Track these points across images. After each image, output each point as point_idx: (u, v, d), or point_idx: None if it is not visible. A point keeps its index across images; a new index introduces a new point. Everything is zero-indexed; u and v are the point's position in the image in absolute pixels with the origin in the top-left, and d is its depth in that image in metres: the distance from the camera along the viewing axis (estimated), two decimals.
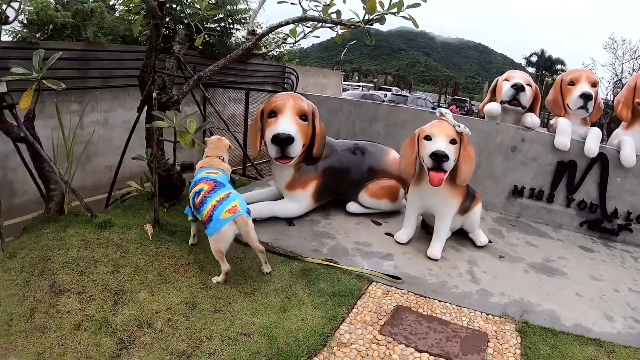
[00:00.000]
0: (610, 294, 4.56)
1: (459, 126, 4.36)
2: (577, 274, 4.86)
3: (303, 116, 4.90)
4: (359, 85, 39.32)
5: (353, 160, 5.42)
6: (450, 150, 4.27)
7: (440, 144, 4.26)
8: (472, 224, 5.01)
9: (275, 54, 13.06)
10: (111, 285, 3.58)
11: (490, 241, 5.23)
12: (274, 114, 4.83)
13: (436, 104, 34.65)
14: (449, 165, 4.27)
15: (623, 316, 4.15)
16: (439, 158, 4.19)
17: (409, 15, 4.36)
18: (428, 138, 4.36)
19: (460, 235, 5.24)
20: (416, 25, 4.45)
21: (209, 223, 3.70)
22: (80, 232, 4.23)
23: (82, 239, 4.13)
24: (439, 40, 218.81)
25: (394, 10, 4.32)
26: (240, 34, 10.42)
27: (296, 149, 4.81)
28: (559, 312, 4.00)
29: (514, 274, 4.59)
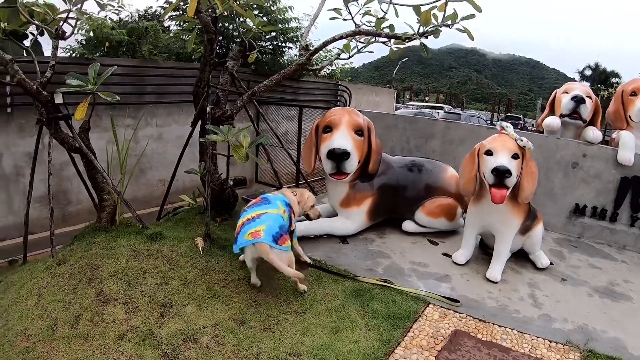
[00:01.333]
0: None
1: (522, 140, 4.17)
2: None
3: (359, 131, 4.80)
4: (418, 105, 38.87)
5: (410, 177, 5.27)
6: (513, 166, 4.07)
7: (502, 159, 4.06)
8: (533, 245, 4.77)
9: (327, 72, 13.08)
10: (158, 297, 3.55)
11: (551, 263, 4.95)
12: (329, 128, 4.76)
13: (489, 121, 33.84)
14: (511, 181, 4.07)
15: None
16: (501, 174, 4.00)
17: (464, 27, 4.21)
18: (489, 153, 4.17)
19: (520, 257, 4.98)
20: (471, 38, 4.29)
21: (235, 239, 3.66)
22: (131, 243, 4.23)
23: (132, 249, 4.13)
24: (490, 57, 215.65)
25: (449, 22, 4.19)
26: (292, 52, 10.48)
27: (352, 165, 4.71)
28: (625, 341, 3.73)
29: (577, 299, 4.32)
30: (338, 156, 4.57)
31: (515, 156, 4.13)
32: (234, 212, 5.42)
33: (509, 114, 46.32)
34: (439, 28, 4.29)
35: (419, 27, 4.33)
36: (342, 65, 13.73)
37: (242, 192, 6.29)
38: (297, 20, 10.17)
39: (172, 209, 5.74)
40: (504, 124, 4.39)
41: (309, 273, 4.14)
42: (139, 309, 3.39)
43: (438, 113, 30.40)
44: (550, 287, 4.50)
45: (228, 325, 3.32)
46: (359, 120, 4.84)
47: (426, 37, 4.38)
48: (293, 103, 9.36)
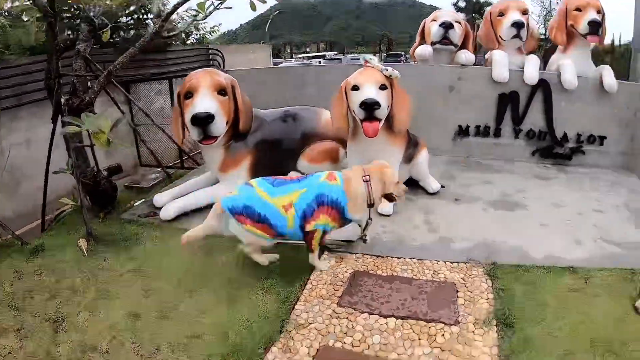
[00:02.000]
0: (575, 218, 4.45)
1: (387, 70, 4.08)
2: (537, 204, 4.74)
3: (222, 91, 4.49)
4: (302, 57, 38.50)
5: (285, 128, 5.08)
6: (381, 97, 3.97)
7: (369, 91, 3.95)
8: (421, 172, 4.80)
9: (196, 37, 12.65)
10: (49, 313, 3.25)
11: (443, 186, 5.03)
12: (190, 94, 4.40)
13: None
14: (382, 112, 3.98)
15: (592, 238, 4.04)
16: (369, 107, 3.89)
17: None
18: (355, 88, 4.04)
19: (412, 185, 4.94)
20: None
21: None
22: (13, 264, 3.90)
23: (15, 271, 3.80)
24: (367, 2, 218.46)
25: None
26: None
27: (219, 127, 4.42)
28: (526, 247, 3.85)
29: (473, 216, 4.42)
30: (202, 120, 4.26)
31: (382, 87, 4.03)
32: (116, 203, 5.11)
33: (391, 52, 47.19)
34: None
35: None
36: (211, 28, 13.37)
37: (121, 181, 5.91)
38: None
39: (55, 216, 5.36)
40: (368, 56, 4.29)
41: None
42: (32, 332, 3.09)
43: (319, 62, 30.35)
44: (444, 209, 4.57)
45: (124, 324, 3.09)
46: (220, 80, 4.54)
47: None
48: (162, 76, 8.90)
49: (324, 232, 3.41)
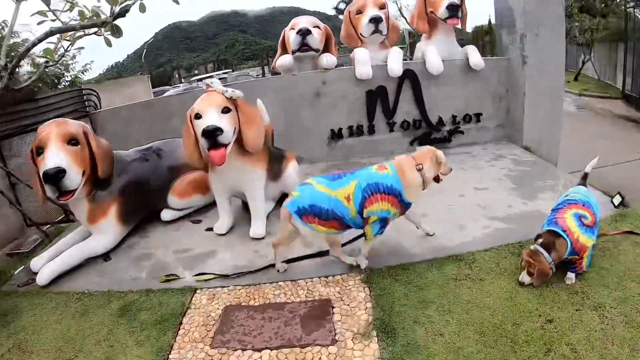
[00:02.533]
0: (457, 201, 4.53)
1: (227, 91, 3.91)
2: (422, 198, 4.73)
3: (73, 140, 4.12)
4: (190, 81, 37.80)
5: (150, 166, 4.80)
6: (225, 121, 3.80)
7: (210, 118, 3.77)
8: (292, 186, 4.55)
9: (68, 79, 12.05)
10: None
11: None
12: (41, 149, 4.10)
13: (260, 75, 33.86)
14: (226, 137, 3.79)
15: (474, 219, 4.12)
16: (211, 134, 3.69)
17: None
18: (198, 116, 3.85)
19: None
20: (177, 2, 4.02)
21: None
22: None
23: None
24: (251, 15, 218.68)
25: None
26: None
27: (73, 181, 4.03)
28: (405, 242, 3.82)
29: None
30: (53, 177, 3.88)
31: (225, 110, 3.86)
32: None
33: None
34: (130, 5, 3.91)
35: (111, 8, 3.92)
36: (82, 67, 12.80)
37: (13, 246, 5.43)
38: None
39: None
40: (209, 80, 4.12)
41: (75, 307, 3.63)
42: None
43: (198, 84, 29.64)
44: None
45: None
46: (70, 129, 4.16)
47: (123, 16, 3.96)
48: (34, 127, 8.29)
49: (386, 220, 3.45)
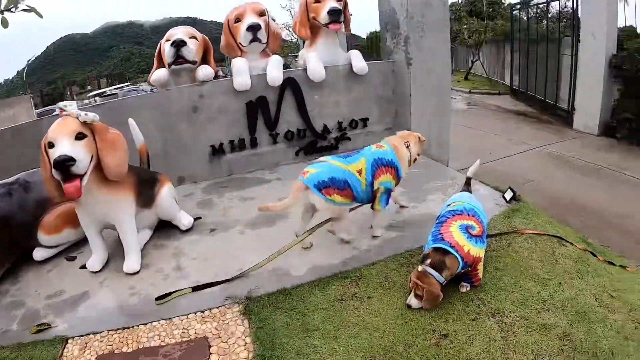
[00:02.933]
0: None
1: (80, 115, 3.48)
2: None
3: None
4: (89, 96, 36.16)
5: (14, 201, 4.20)
6: (79, 149, 3.39)
7: (62, 147, 3.35)
8: (168, 211, 4.28)
9: None
10: None
11: (199, 217, 4.60)
12: None
13: (156, 89, 32.70)
14: (81, 166, 3.37)
15: (361, 229, 4.03)
16: (62, 165, 3.28)
17: (30, 7, 3.54)
18: (51, 145, 3.43)
19: (164, 228, 4.47)
20: (40, 15, 3.69)
21: None
22: None
23: None
24: (147, 26, 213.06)
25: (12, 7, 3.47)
26: None
27: None
28: (288, 265, 3.60)
29: (228, 244, 4.05)
30: None
31: (80, 136, 3.44)
32: None
33: None
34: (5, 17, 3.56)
35: None
36: None
37: None
38: None
39: None
40: (62, 104, 3.68)
41: None
42: None
43: (96, 100, 28.36)
44: (198, 245, 4.13)
45: None
46: None
47: None
48: None
49: (389, 191, 3.86)
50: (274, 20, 6.36)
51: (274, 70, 5.65)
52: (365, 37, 29.07)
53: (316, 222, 3.80)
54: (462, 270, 3.04)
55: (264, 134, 5.83)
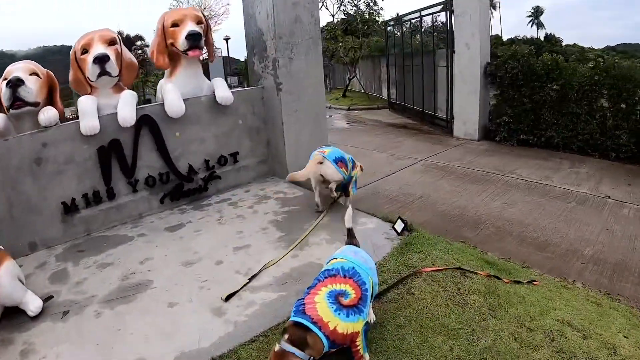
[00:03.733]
0: (213, 273, 3.85)
1: None
2: (166, 271, 3.96)
3: None
4: None
5: None
6: None
7: None
8: (10, 296, 3.39)
9: None
10: None
11: (50, 297, 3.71)
12: None
13: None
14: None
15: (237, 296, 3.51)
16: None
17: None
18: None
19: (12, 313, 3.49)
20: None
21: None
22: None
23: None
24: (20, 56, 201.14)
25: None
26: None
27: None
28: (148, 353, 2.97)
29: (82, 333, 3.26)
30: None
31: None
32: None
33: None
34: None
35: None
36: None
37: None
38: None
39: None
40: None
41: None
42: None
43: None
44: (48, 336, 3.26)
45: None
46: None
47: None
48: None
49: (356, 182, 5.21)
50: (136, 45, 5.55)
51: (125, 107, 4.90)
52: (243, 61, 28.69)
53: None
54: (333, 350, 2.59)
55: (122, 183, 5.05)
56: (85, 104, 4.79)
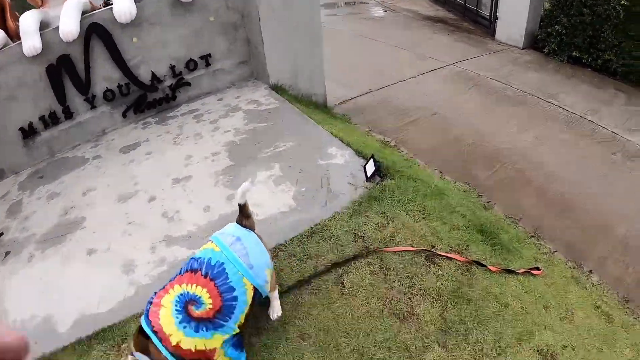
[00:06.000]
0: (142, 213, 3.77)
1: None
2: (102, 206, 3.93)
3: None
4: None
5: None
6: None
7: None
8: None
9: None
10: None
11: (1, 234, 3.83)
12: None
13: None
14: None
15: (152, 247, 3.43)
16: None
17: None
18: None
19: None
20: None
21: None
22: None
23: None
24: None
25: None
26: None
27: None
28: (58, 311, 3.02)
29: (12, 280, 3.34)
30: None
31: None
32: None
33: None
34: None
35: None
36: None
37: None
38: None
39: None
40: None
41: None
42: None
43: None
44: None
45: None
46: None
47: None
48: None
49: None
50: None
51: (66, 20, 4.44)
52: None
53: None
54: None
55: (78, 100, 4.84)
56: (25, 22, 4.42)
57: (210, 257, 2.31)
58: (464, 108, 5.72)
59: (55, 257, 3.47)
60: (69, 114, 4.85)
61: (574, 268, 3.33)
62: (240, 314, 2.29)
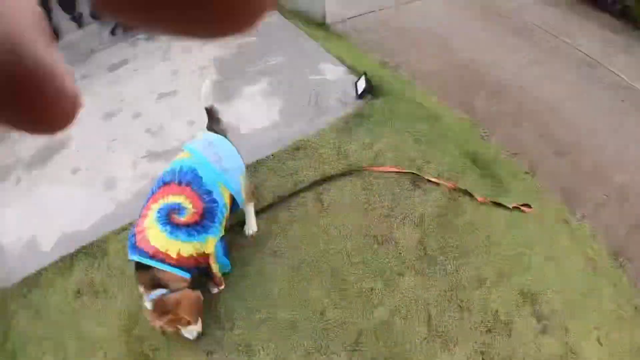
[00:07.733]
0: (124, 129, 3.78)
1: None
2: (87, 124, 3.80)
3: None
4: None
5: None
6: None
7: None
8: None
9: None
10: None
11: None
12: None
13: None
14: None
15: (133, 164, 3.42)
16: None
17: None
18: None
19: None
20: None
21: None
22: None
23: None
24: None
25: None
26: None
27: None
28: (42, 230, 3.07)
29: (6, 210, 3.35)
30: None
31: None
32: None
33: None
34: None
35: None
36: None
37: None
38: None
39: None
40: None
41: None
42: None
43: None
44: None
45: None
46: None
47: None
48: None
49: None
50: None
51: None
52: None
53: None
54: (190, 278, 2.19)
55: (64, 20, 4.66)
56: None
57: (181, 166, 2.24)
58: (470, 35, 5.31)
59: (41, 178, 3.49)
60: (55, 34, 4.64)
61: (566, 211, 3.16)
62: (222, 217, 2.28)
